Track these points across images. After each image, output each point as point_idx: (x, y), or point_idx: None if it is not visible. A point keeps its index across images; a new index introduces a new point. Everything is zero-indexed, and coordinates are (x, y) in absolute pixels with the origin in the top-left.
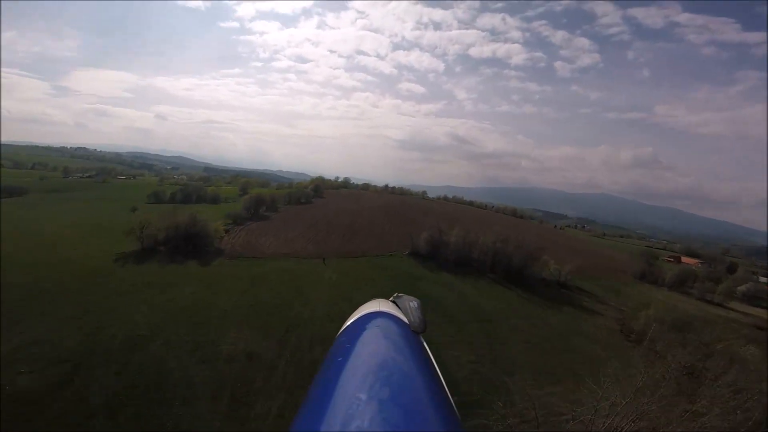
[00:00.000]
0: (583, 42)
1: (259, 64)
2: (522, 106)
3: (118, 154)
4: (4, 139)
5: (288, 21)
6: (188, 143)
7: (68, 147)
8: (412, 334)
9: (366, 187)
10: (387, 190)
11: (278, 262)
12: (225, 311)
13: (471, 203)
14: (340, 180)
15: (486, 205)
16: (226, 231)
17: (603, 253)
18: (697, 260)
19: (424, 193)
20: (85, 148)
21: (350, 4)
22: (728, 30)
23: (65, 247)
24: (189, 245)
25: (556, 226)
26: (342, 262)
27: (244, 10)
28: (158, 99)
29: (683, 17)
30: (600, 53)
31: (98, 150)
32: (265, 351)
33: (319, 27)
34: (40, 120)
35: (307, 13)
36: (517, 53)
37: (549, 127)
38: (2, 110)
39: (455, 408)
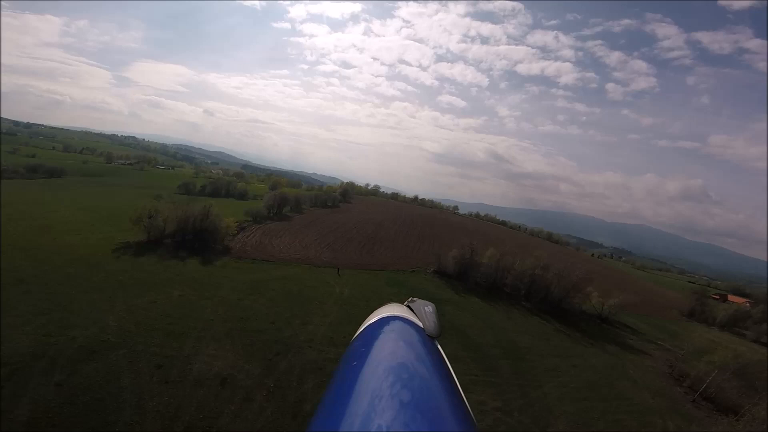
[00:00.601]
0: (640, 65)
1: (305, 67)
2: (567, 127)
3: (164, 145)
4: (65, 124)
5: (336, 25)
6: (232, 140)
7: (119, 135)
8: (427, 338)
9: (395, 196)
10: (416, 201)
11: (287, 269)
12: (210, 322)
13: (504, 223)
14: (370, 187)
15: (519, 227)
16: (240, 229)
17: (646, 287)
18: (745, 299)
19: (455, 208)
20: (134, 137)
21: (397, 12)
22: None
23: (68, 233)
24: (196, 240)
25: (593, 254)
26: (358, 274)
27: (297, 11)
28: (209, 95)
29: (753, 44)
30: (657, 77)
31: (146, 140)
32: (244, 377)
33: (365, 33)
34: (99, 108)
35: (355, 18)
36: (567, 72)
37: (594, 150)
38: (66, 96)
39: (471, 413)
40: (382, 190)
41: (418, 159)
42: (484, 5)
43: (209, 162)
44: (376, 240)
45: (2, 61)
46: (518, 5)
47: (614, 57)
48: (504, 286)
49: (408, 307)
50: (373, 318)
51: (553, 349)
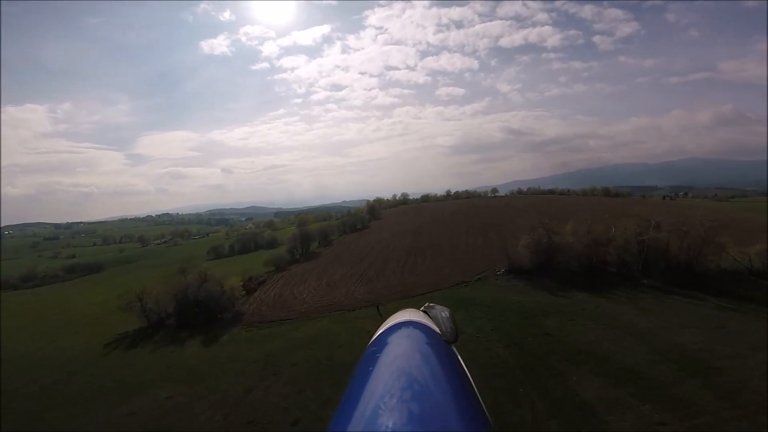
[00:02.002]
0: (615, 12)
1: (299, 101)
2: (572, 86)
3: (198, 215)
4: (103, 216)
5: (312, 52)
6: (258, 192)
7: (154, 215)
8: (443, 343)
9: (426, 198)
10: (450, 197)
11: (313, 324)
12: None
13: (552, 191)
14: (398, 197)
15: (568, 191)
16: (257, 284)
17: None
18: None
19: (494, 190)
20: (168, 213)
21: (367, 22)
22: None
23: (68, 333)
24: (200, 315)
25: (664, 197)
26: (407, 304)
27: (268, 49)
28: (220, 153)
29: None
30: (637, 20)
31: (179, 213)
32: None
33: (343, 51)
34: (127, 192)
35: (327, 40)
36: (550, 35)
37: (608, 102)
38: (91, 187)
39: (489, 418)
40: (411, 197)
41: (437, 157)
42: None
43: (243, 219)
44: (417, 252)
45: (15, 161)
46: None
47: (588, 9)
48: (606, 266)
49: (424, 312)
50: (388, 323)
51: (743, 338)
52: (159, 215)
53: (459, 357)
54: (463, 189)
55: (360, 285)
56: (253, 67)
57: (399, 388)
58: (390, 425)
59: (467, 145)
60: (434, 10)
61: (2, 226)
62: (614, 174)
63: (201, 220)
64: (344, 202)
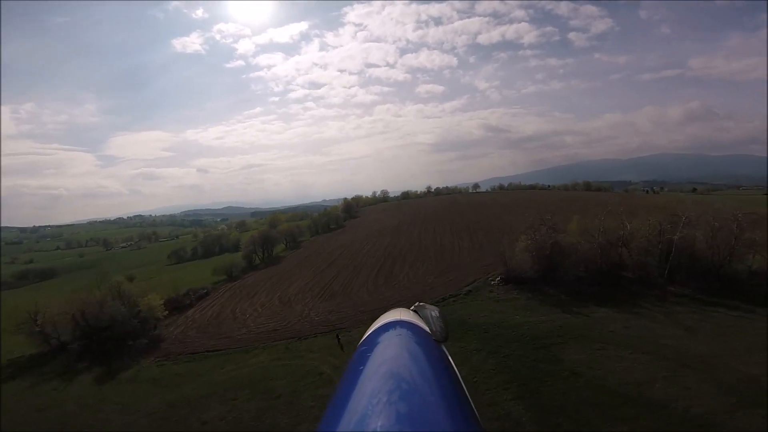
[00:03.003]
0: (591, 9)
1: (276, 99)
2: (548, 83)
3: (172, 216)
4: (73, 219)
5: (290, 49)
6: (235, 192)
7: (125, 217)
8: (433, 343)
9: (406, 195)
10: (430, 193)
11: (245, 360)
12: None
13: (534, 186)
14: (377, 195)
15: (549, 186)
16: (199, 297)
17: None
18: None
19: (476, 186)
20: (141, 215)
21: (346, 18)
22: None
23: None
24: (109, 340)
25: (646, 191)
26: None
27: (244, 46)
28: (195, 153)
29: None
30: (611, 17)
31: (152, 215)
32: None
33: (322, 49)
34: (98, 194)
35: (305, 37)
36: (526, 32)
37: (584, 98)
38: (60, 189)
39: (478, 417)
40: (391, 195)
41: (417, 155)
42: None
43: (219, 220)
44: (395, 257)
45: None
46: None
47: (563, 6)
48: (620, 271)
49: (415, 311)
50: (378, 323)
51: None
52: (131, 217)
53: (449, 356)
54: (444, 186)
55: (320, 301)
56: (228, 65)
57: (389, 388)
58: (379, 425)
59: (447, 143)
60: (414, 6)
61: None
62: (590, 169)
63: (174, 222)
64: (324, 201)
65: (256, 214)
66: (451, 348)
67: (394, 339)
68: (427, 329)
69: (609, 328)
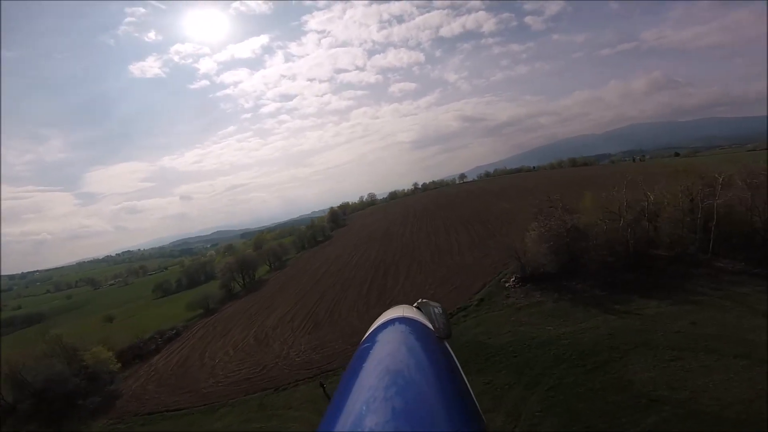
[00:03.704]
0: None
1: (248, 116)
2: (514, 68)
3: (161, 248)
4: (64, 262)
5: (254, 64)
6: (223, 215)
7: (113, 254)
8: (436, 339)
9: (394, 195)
10: (418, 189)
11: (209, 422)
12: None
13: (519, 169)
14: (365, 199)
15: (534, 167)
16: (167, 339)
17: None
18: None
19: (462, 176)
20: (129, 251)
21: (307, 27)
22: None
23: None
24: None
25: (635, 159)
26: None
27: (205, 65)
28: (174, 180)
29: None
30: None
31: (141, 249)
32: None
33: (287, 60)
34: (83, 234)
35: (268, 50)
36: (485, 20)
37: (551, 79)
38: (43, 234)
39: (481, 413)
40: (379, 197)
41: (400, 154)
42: None
43: (208, 246)
44: (387, 266)
45: None
46: None
47: None
48: (652, 250)
49: (418, 308)
50: (381, 320)
51: None
52: (119, 254)
53: (452, 353)
54: (431, 181)
55: (302, 335)
56: (193, 86)
57: (390, 385)
58: (381, 423)
59: (427, 138)
60: (374, 7)
61: None
62: (569, 147)
63: (164, 253)
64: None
65: (246, 234)
66: (473, 384)
67: (396, 336)
68: (430, 326)
69: (673, 328)
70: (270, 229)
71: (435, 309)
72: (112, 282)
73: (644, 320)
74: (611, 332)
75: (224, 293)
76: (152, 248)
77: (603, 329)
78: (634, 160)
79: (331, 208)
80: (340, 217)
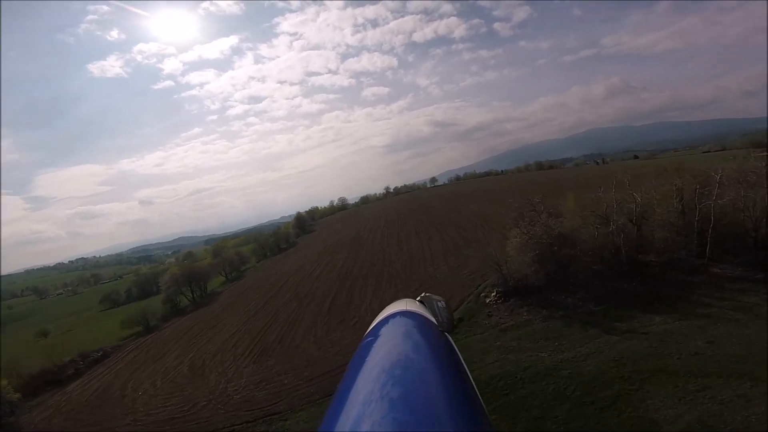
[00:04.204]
0: None
1: (214, 117)
2: (483, 74)
3: (119, 255)
4: (10, 271)
5: (222, 65)
6: (187, 221)
7: (66, 261)
8: (439, 332)
9: (366, 200)
10: (390, 193)
11: None
12: None
13: (489, 173)
14: (335, 203)
15: (503, 171)
16: (38, 387)
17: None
18: None
19: (433, 179)
20: (84, 258)
21: (279, 29)
22: None
23: None
24: None
25: (597, 162)
26: (322, 408)
27: (171, 65)
28: (134, 184)
29: None
30: (528, 5)
31: (97, 256)
32: None
33: (257, 62)
34: (34, 240)
35: (237, 51)
36: (456, 26)
37: (517, 85)
38: None
39: (485, 408)
40: (350, 201)
41: (374, 158)
42: None
43: (170, 253)
44: (353, 280)
45: None
46: None
47: None
48: (642, 255)
49: (421, 302)
50: (384, 313)
51: None
52: (72, 261)
53: (455, 347)
54: (403, 185)
55: (246, 364)
56: (156, 87)
57: (394, 380)
58: (383, 418)
59: (400, 143)
60: (349, 10)
61: None
62: (534, 151)
63: (121, 261)
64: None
65: (211, 241)
66: None
67: (399, 330)
68: (433, 320)
69: (689, 349)
70: (236, 235)
71: (438, 303)
72: (60, 291)
73: (652, 340)
74: (618, 357)
75: (169, 308)
76: (109, 255)
77: (607, 354)
78: (597, 163)
79: (298, 213)
80: (307, 222)
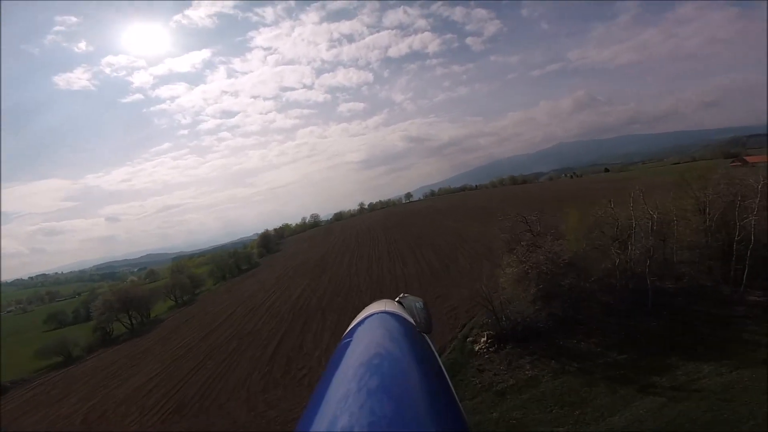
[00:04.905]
0: (481, 12)
1: (185, 132)
2: (455, 90)
3: (82, 272)
4: None
5: (193, 79)
6: (155, 238)
7: (25, 278)
8: (417, 333)
9: (339, 216)
10: (364, 210)
11: None
12: None
13: (464, 188)
14: (307, 221)
15: (477, 186)
16: None
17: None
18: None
19: (408, 195)
20: (45, 274)
21: (252, 43)
22: None
23: None
24: None
25: (570, 175)
26: None
27: (140, 78)
28: (100, 200)
29: None
30: (499, 19)
31: (59, 273)
32: None
33: (230, 76)
34: None
35: (209, 64)
36: (430, 41)
37: (488, 100)
38: None
39: (461, 408)
40: (323, 219)
41: (348, 173)
42: (332, 5)
43: (136, 270)
44: (310, 314)
45: None
46: None
47: (458, 12)
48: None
49: (399, 303)
50: (362, 315)
51: None
52: (32, 277)
53: (434, 348)
54: (377, 201)
55: (152, 422)
56: (124, 100)
57: (370, 380)
58: (359, 418)
59: (375, 158)
60: (325, 25)
61: None
62: (505, 166)
63: (83, 278)
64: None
65: (178, 258)
66: None
67: (377, 330)
68: (411, 321)
69: (762, 410)
70: (203, 253)
71: (416, 303)
72: (11, 309)
73: (711, 401)
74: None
75: (99, 337)
76: (71, 272)
77: (653, 425)
78: (571, 176)
79: (265, 231)
80: (273, 241)
